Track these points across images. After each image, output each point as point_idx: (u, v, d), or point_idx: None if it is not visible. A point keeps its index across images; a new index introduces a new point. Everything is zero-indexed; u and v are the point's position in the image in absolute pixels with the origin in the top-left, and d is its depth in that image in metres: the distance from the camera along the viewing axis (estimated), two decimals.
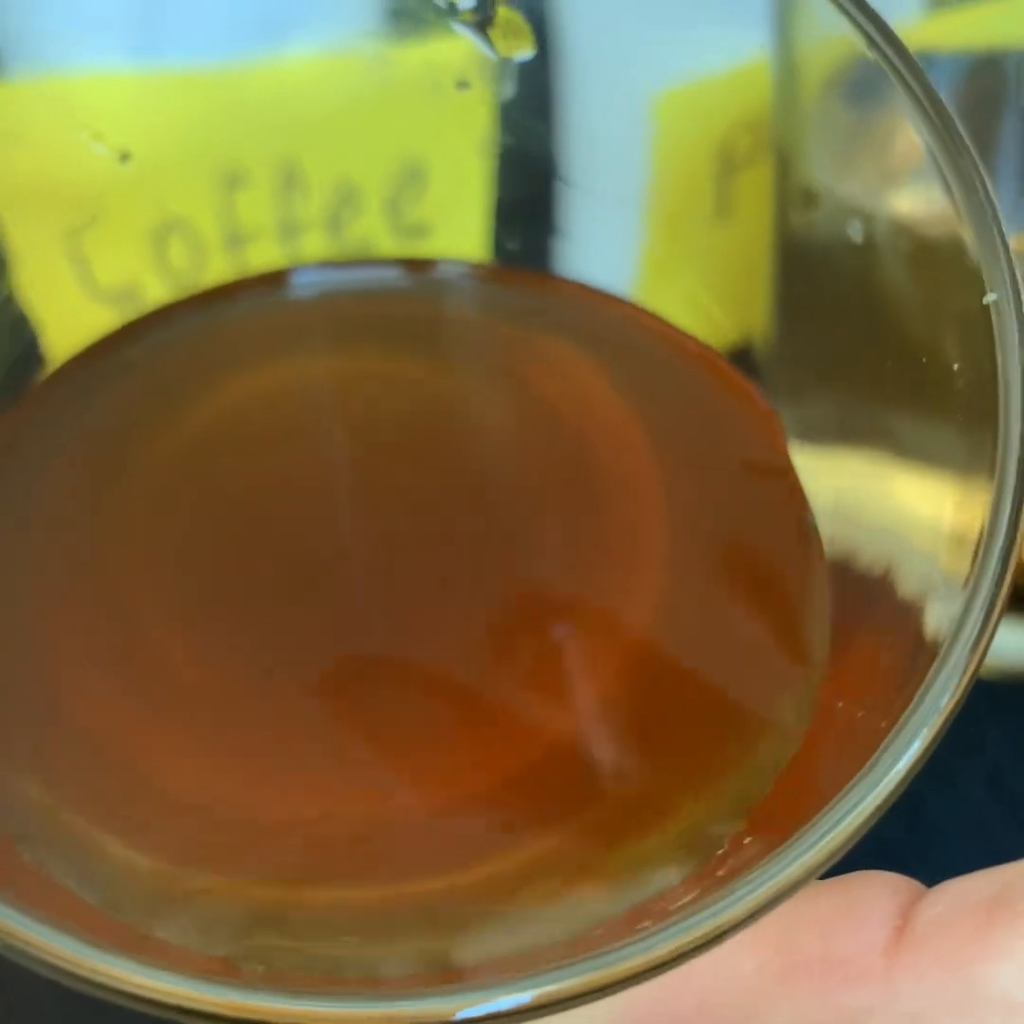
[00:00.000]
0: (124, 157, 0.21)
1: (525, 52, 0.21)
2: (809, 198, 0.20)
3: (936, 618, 0.15)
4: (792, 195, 0.20)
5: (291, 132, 0.22)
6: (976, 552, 0.14)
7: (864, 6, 0.16)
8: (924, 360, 0.16)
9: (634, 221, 0.22)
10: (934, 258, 0.16)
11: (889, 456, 0.18)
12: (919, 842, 0.22)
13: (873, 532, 0.18)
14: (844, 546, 0.19)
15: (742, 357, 0.22)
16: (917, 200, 0.17)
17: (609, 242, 0.23)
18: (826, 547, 0.19)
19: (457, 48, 0.21)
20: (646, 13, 0.21)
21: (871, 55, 0.16)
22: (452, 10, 0.21)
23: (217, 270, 0.23)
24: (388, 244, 0.23)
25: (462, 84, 0.21)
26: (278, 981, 0.15)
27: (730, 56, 0.20)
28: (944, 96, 0.27)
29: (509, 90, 0.22)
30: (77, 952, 0.13)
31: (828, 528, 0.19)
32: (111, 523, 0.20)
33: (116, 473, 0.20)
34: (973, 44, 0.26)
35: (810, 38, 0.19)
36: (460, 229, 0.23)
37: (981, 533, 0.14)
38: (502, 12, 0.21)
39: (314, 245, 0.23)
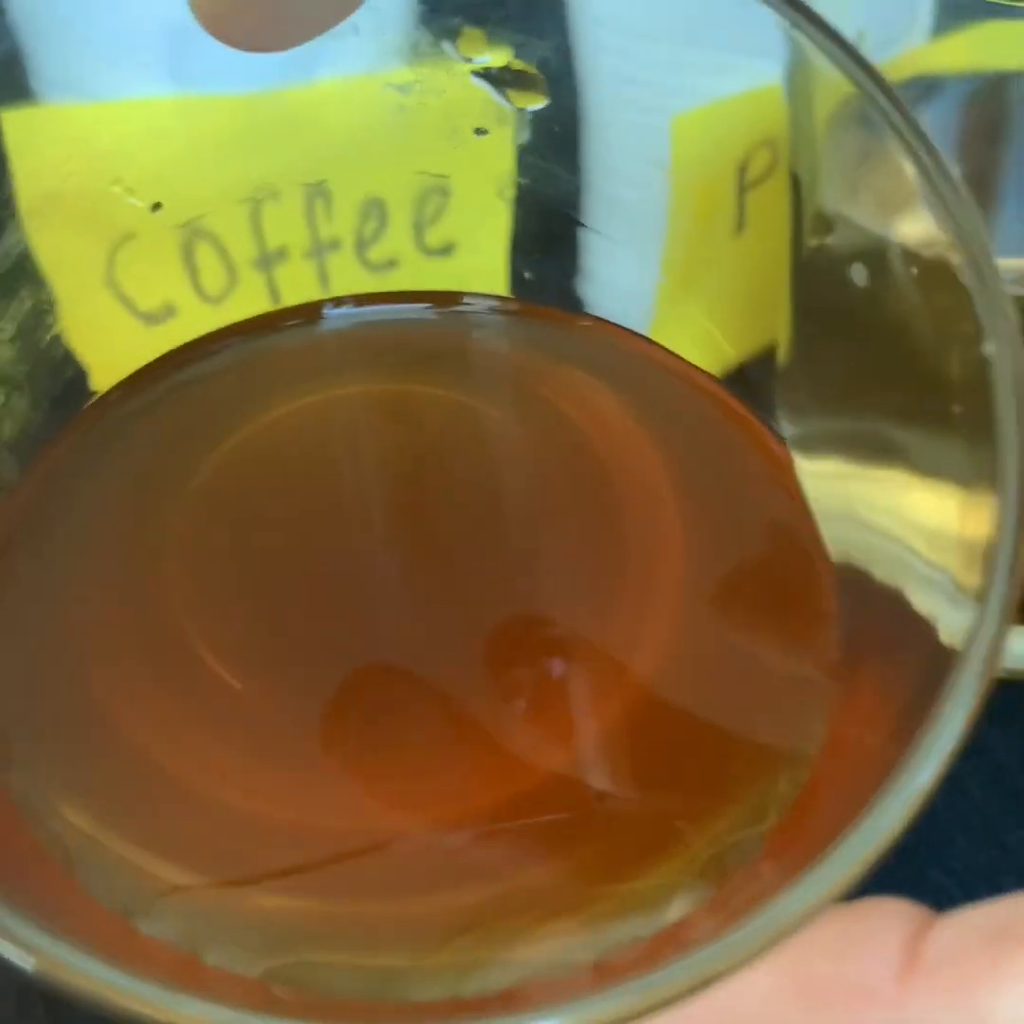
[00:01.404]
0: (156, 207, 0.22)
1: (539, 103, 0.22)
2: (823, 222, 0.21)
3: (945, 638, 0.15)
4: (806, 219, 0.21)
5: (318, 154, 0.23)
6: (985, 578, 0.14)
7: (849, 48, 0.17)
8: (928, 383, 0.17)
9: (651, 255, 0.23)
10: (937, 285, 0.17)
11: (897, 473, 0.18)
12: (930, 844, 0.22)
13: (881, 554, 0.18)
14: (853, 570, 0.19)
15: (746, 376, 0.22)
16: (924, 222, 0.18)
17: (626, 273, 0.24)
18: (836, 570, 0.19)
19: (475, 96, 0.22)
20: (660, 45, 0.21)
21: (860, 98, 0.17)
22: (467, 62, 0.21)
23: (248, 289, 0.23)
24: (413, 264, 0.24)
25: (480, 131, 0.22)
26: (309, 1008, 0.15)
27: (745, 80, 0.21)
28: (950, 119, 0.27)
29: (526, 136, 0.22)
30: (112, 984, 0.13)
31: (838, 549, 0.19)
32: (154, 543, 0.21)
33: (159, 494, 0.21)
34: (980, 66, 0.27)
35: (816, 71, 0.19)
36: (482, 252, 0.24)
37: (987, 555, 0.14)
38: (515, 65, 0.21)
39: (341, 264, 0.24)
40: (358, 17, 0.19)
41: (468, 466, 0.22)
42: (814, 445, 0.21)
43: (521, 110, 0.22)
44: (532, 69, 0.21)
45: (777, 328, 0.22)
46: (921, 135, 0.16)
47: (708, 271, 0.23)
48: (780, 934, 0.13)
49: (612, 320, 0.23)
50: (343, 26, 0.18)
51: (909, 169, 0.16)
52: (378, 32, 0.21)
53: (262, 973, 0.16)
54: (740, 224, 0.22)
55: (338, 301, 0.24)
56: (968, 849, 0.22)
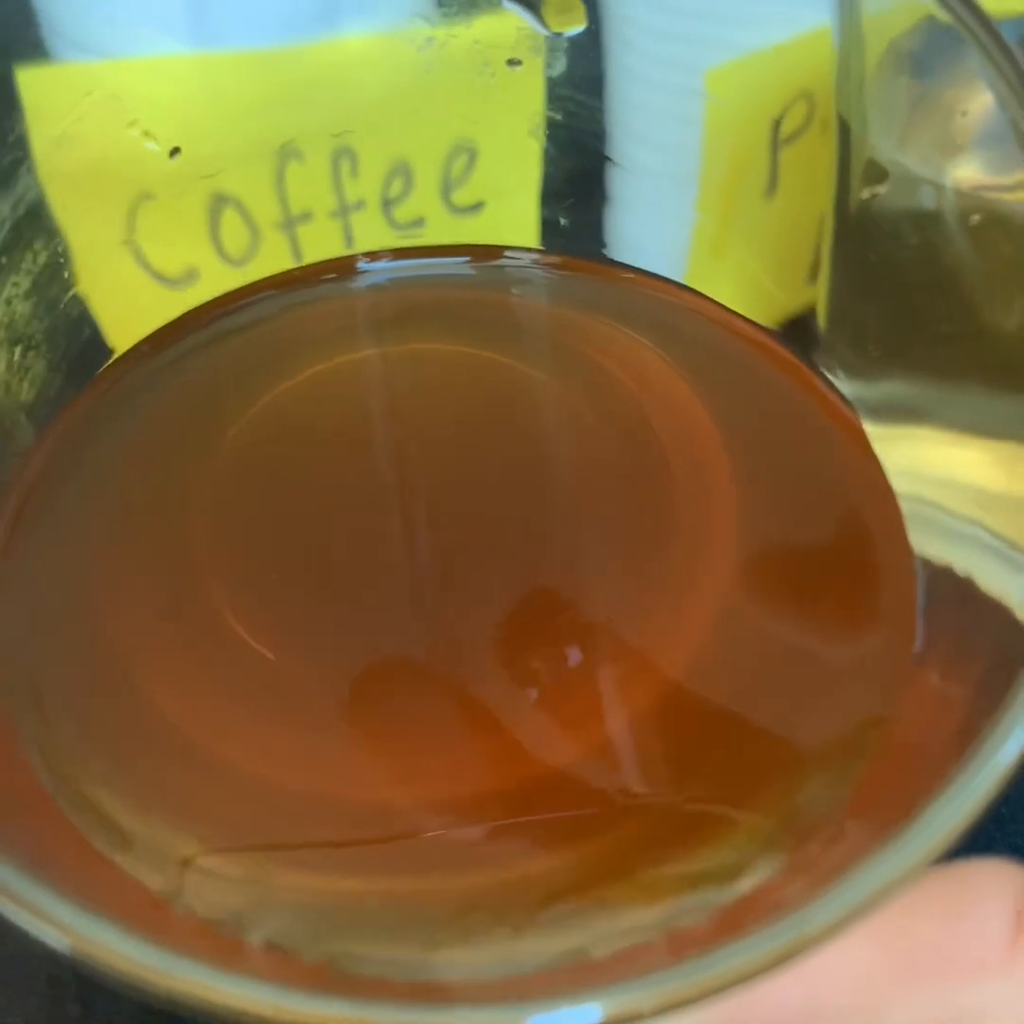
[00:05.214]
0: (174, 151, 0.21)
1: (577, 27, 0.21)
2: (875, 171, 0.20)
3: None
4: (856, 168, 0.20)
5: (344, 111, 0.22)
6: None
7: None
8: (980, 336, 0.16)
9: (685, 197, 0.22)
10: (997, 224, 0.16)
11: (943, 433, 0.18)
12: (996, 819, 0.22)
13: (952, 507, 0.18)
14: (926, 523, 0.18)
15: (796, 329, 0.21)
16: (979, 168, 0.17)
17: (660, 218, 0.23)
18: (907, 524, 0.19)
19: (507, 26, 0.21)
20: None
21: (942, 14, 0.16)
22: None
23: (271, 249, 0.23)
24: (440, 222, 0.23)
25: (513, 62, 0.21)
26: (341, 986, 0.14)
27: (787, 28, 0.20)
28: None
29: (559, 66, 0.22)
30: (150, 964, 0.12)
31: (908, 506, 0.19)
32: (179, 507, 0.20)
33: (184, 454, 0.21)
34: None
35: (875, 7, 0.19)
36: (511, 207, 0.23)
37: None
38: None
39: (366, 224, 0.23)
40: None
41: (508, 430, 0.21)
42: (871, 404, 0.20)
43: (557, 37, 0.21)
44: None
45: (818, 284, 0.21)
46: (1005, 47, 0.15)
47: (738, 238, 0.22)
48: (878, 896, 0.12)
49: (653, 273, 0.22)
50: None
51: (995, 87, 0.15)
52: None
53: (310, 954, 0.15)
54: (777, 177, 0.22)
55: (373, 255, 0.23)
56: None
